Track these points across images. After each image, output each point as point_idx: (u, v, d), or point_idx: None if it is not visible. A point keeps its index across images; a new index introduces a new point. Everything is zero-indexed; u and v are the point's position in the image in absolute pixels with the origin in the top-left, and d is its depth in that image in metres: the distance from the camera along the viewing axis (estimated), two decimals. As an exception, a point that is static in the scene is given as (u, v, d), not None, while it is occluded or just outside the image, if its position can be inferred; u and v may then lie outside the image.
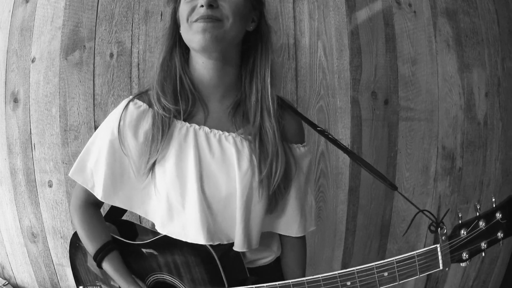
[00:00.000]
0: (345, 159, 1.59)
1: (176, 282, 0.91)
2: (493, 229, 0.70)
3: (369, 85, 1.58)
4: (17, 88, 1.58)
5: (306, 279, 0.77)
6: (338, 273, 0.75)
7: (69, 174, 0.96)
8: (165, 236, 0.90)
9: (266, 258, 1.02)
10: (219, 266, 0.86)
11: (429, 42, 1.65)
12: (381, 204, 1.65)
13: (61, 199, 1.56)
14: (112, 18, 1.48)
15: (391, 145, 1.63)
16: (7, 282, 1.76)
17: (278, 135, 0.90)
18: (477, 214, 0.71)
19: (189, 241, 0.87)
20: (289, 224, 0.97)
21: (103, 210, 1.06)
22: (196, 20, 0.82)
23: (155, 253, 0.92)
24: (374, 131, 1.61)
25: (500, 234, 0.70)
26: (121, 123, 0.90)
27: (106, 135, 0.92)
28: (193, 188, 0.87)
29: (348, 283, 0.74)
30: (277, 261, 1.07)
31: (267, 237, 1.00)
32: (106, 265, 0.94)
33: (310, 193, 1.02)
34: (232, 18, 0.82)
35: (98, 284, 1.03)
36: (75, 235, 1.04)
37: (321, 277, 0.76)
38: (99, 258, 0.94)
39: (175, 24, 0.90)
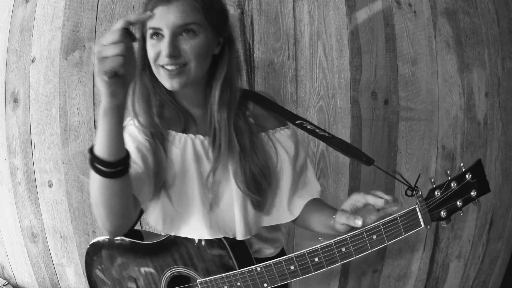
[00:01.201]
0: (345, 159, 1.59)
1: (191, 273, 1.00)
2: (466, 188, 0.78)
3: (369, 85, 1.58)
4: (17, 88, 1.58)
5: (306, 251, 0.86)
6: (334, 241, 0.83)
7: None
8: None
9: (272, 249, 1.08)
10: (231, 253, 0.95)
11: (429, 42, 1.65)
12: (381, 204, 1.65)
13: (61, 199, 1.56)
14: (112, 18, 1.48)
15: (391, 145, 1.63)
16: (7, 282, 1.76)
17: (231, 145, 0.95)
18: (449, 178, 0.78)
19: (196, 238, 0.96)
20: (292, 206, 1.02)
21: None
22: (162, 66, 0.87)
23: (170, 249, 1.01)
24: (374, 131, 1.61)
25: (473, 193, 0.78)
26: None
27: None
28: (196, 193, 0.95)
29: (343, 249, 0.83)
30: (282, 253, 1.13)
31: (273, 228, 1.06)
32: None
33: (309, 165, 1.07)
34: (195, 61, 0.87)
35: None
36: (92, 245, 1.11)
37: (319, 246, 0.84)
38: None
39: (145, 49, 0.92)
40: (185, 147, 0.95)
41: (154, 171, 0.93)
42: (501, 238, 1.94)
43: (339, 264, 0.84)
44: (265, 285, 0.92)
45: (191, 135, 0.96)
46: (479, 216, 1.82)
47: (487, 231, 1.87)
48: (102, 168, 0.76)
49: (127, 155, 0.79)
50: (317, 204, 1.03)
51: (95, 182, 0.79)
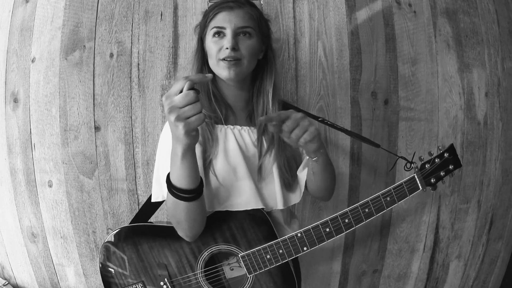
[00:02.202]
0: (345, 159, 1.59)
1: (233, 248, 1.07)
2: (446, 163, 1.07)
3: (369, 85, 1.58)
4: (17, 88, 1.58)
5: (338, 214, 1.04)
6: (359, 204, 1.04)
7: (153, 200, 1.11)
8: (216, 211, 1.09)
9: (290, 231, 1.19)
10: (272, 224, 1.08)
11: (429, 42, 1.65)
12: (381, 204, 1.64)
13: (61, 199, 1.56)
14: (112, 18, 1.48)
15: (391, 145, 1.63)
16: (7, 282, 1.76)
17: (276, 136, 1.13)
18: (433, 156, 1.08)
19: (249, 208, 1.08)
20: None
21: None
22: (222, 59, 1.07)
23: (210, 228, 1.07)
24: (374, 131, 1.61)
25: (451, 166, 1.07)
26: None
27: (167, 148, 1.07)
28: (244, 172, 1.09)
29: (366, 210, 1.04)
30: None
31: (291, 216, 1.22)
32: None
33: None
34: (248, 57, 1.09)
35: (134, 283, 1.13)
36: (116, 235, 1.14)
37: (348, 209, 1.04)
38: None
39: (202, 49, 1.14)
40: (227, 136, 1.12)
41: (203, 148, 1.09)
42: (501, 238, 1.94)
43: (364, 222, 1.04)
44: (305, 248, 1.05)
45: (230, 126, 1.14)
46: (479, 216, 1.82)
47: (487, 231, 1.87)
48: (185, 195, 0.94)
49: (201, 181, 0.97)
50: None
51: (177, 205, 0.96)
